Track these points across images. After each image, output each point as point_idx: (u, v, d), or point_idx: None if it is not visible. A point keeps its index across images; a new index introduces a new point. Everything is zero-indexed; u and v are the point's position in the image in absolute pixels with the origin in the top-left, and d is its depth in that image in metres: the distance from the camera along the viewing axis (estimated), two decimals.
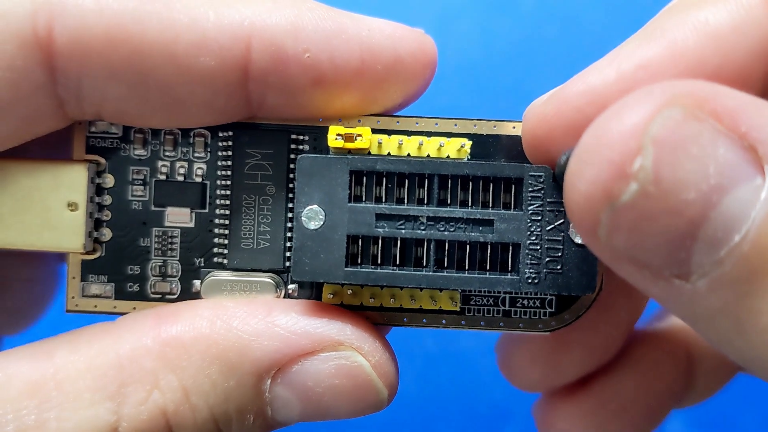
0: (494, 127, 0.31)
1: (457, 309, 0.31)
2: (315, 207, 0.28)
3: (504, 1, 0.62)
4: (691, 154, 0.21)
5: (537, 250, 0.28)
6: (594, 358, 0.38)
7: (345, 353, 0.29)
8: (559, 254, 0.28)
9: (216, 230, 0.31)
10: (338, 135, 0.29)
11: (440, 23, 0.61)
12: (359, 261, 0.29)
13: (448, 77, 0.60)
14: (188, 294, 0.31)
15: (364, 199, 0.29)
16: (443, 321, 0.31)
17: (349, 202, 0.29)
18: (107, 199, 0.31)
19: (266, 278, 0.31)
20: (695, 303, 0.22)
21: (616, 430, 0.38)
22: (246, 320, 0.28)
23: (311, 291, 0.31)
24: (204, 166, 0.31)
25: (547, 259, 0.28)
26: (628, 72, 0.26)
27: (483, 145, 0.30)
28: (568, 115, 0.26)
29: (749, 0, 0.26)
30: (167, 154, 0.31)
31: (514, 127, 0.31)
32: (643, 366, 0.38)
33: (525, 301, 0.31)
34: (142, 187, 0.31)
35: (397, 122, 0.30)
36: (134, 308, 0.31)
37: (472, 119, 0.31)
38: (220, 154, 0.31)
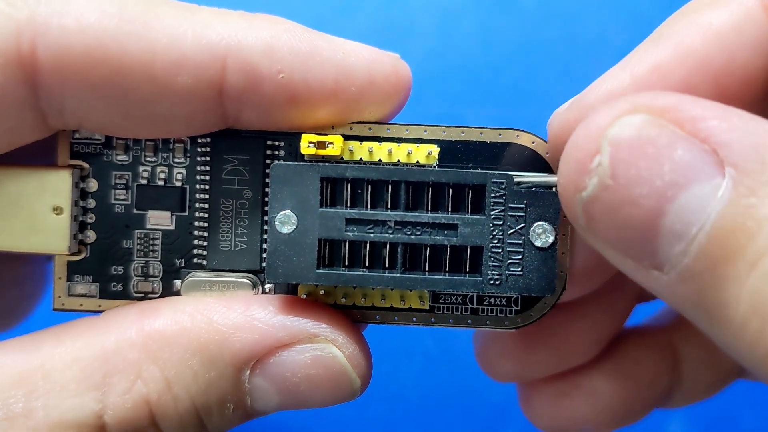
0: (462, 133, 0.32)
1: (426, 307, 0.32)
2: (288, 212, 0.30)
3: (504, 0, 0.63)
4: (647, 154, 0.23)
5: (499, 253, 0.30)
6: (564, 361, 0.39)
7: (320, 345, 0.30)
8: (520, 257, 0.30)
9: (195, 232, 0.32)
10: (310, 143, 0.30)
11: (440, 23, 0.61)
12: (330, 263, 0.30)
13: (448, 77, 0.61)
14: (169, 293, 0.32)
15: (335, 204, 0.30)
16: (413, 318, 0.32)
17: (321, 207, 0.30)
18: (91, 203, 0.32)
19: (243, 278, 0.32)
20: (672, 293, 0.24)
21: (589, 418, 0.39)
22: (225, 314, 0.29)
23: (286, 291, 0.32)
24: (183, 171, 0.32)
25: (509, 262, 0.30)
26: (641, 75, 0.28)
27: (451, 151, 0.32)
28: None
29: (748, 2, 0.28)
30: (148, 159, 0.32)
31: (481, 134, 0.32)
32: (622, 358, 0.39)
33: (492, 300, 0.32)
34: (124, 191, 0.32)
35: (369, 129, 0.32)
36: (118, 306, 0.32)
37: (441, 125, 0.32)
38: (198, 159, 0.32)
